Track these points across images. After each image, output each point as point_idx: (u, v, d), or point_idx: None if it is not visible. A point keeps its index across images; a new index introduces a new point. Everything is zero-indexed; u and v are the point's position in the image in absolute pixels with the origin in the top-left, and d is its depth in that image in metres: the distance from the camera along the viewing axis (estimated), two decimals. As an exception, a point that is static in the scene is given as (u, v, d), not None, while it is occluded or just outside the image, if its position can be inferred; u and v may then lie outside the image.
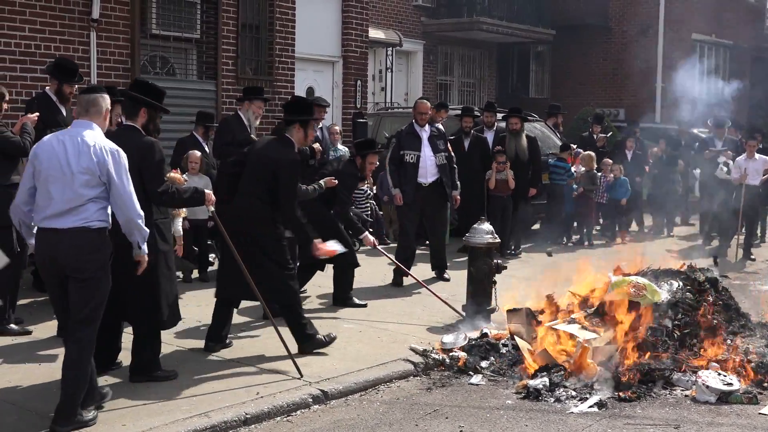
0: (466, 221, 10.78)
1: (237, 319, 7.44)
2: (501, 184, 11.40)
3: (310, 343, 6.73)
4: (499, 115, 12.78)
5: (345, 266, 8.45)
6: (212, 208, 6.15)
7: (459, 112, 12.82)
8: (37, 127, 7.98)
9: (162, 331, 6.07)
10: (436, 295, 8.18)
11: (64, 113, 8.20)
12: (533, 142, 12.13)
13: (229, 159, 7.33)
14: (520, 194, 11.82)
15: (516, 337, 6.93)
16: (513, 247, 11.88)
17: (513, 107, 12.54)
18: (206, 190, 6.01)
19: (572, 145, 13.83)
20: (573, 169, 13.33)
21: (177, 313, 6.06)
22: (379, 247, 8.39)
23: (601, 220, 13.92)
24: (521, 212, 12.01)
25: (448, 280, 9.74)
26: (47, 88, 8.30)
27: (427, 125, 9.94)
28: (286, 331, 6.71)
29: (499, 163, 11.37)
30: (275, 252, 6.62)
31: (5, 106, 7.33)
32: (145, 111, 5.80)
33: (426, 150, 9.81)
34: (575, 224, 13.65)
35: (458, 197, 10.23)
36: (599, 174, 13.37)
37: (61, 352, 6.51)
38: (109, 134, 6.37)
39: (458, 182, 10.19)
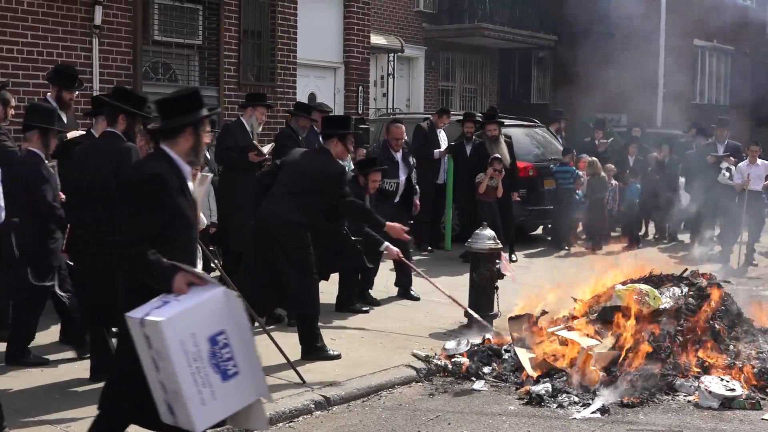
0: (467, 227, 10.77)
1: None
2: (490, 190, 11.36)
3: (316, 355, 6.72)
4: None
5: (351, 271, 8.43)
6: None
7: (460, 117, 12.83)
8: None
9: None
10: (457, 301, 7.98)
11: (65, 120, 8.21)
12: (510, 147, 11.92)
13: (263, 171, 7.46)
14: (507, 199, 11.72)
15: (516, 347, 6.91)
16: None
17: (488, 113, 12.48)
18: None
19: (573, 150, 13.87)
20: (581, 173, 13.34)
21: None
22: (403, 258, 8.20)
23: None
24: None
25: (417, 299, 9.16)
26: (48, 94, 8.33)
27: None
28: (287, 337, 6.71)
29: (496, 171, 11.30)
30: (299, 258, 6.67)
31: (11, 111, 7.36)
32: (123, 118, 5.92)
33: (402, 175, 9.86)
34: (579, 230, 13.68)
35: (418, 203, 10.25)
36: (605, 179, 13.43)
37: (62, 356, 6.54)
38: (92, 141, 6.46)
39: (417, 187, 10.14)
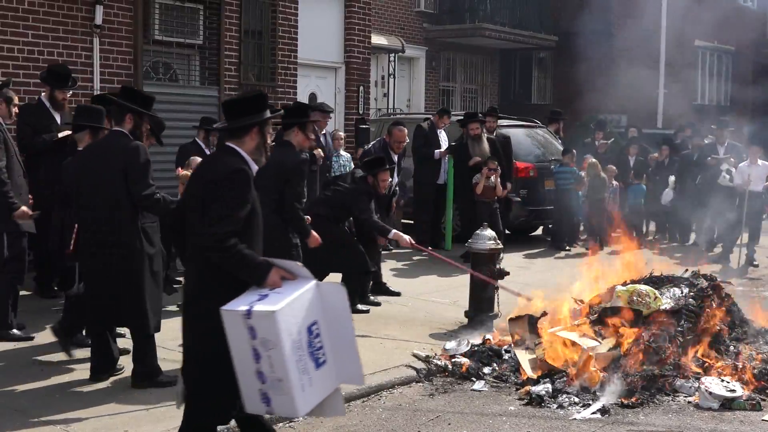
0: (467, 228, 10.77)
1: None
2: (488, 190, 11.34)
3: None
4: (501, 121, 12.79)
5: (353, 273, 8.41)
6: None
7: (461, 117, 12.82)
8: (26, 132, 8.01)
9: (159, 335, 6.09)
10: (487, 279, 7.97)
11: (59, 120, 8.21)
12: (494, 145, 11.81)
13: None
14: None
15: (515, 350, 6.91)
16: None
17: (470, 113, 12.57)
18: None
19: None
20: (582, 173, 13.35)
21: (159, 317, 6.07)
22: (416, 245, 8.16)
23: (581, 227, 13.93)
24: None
25: (396, 293, 9.22)
26: (42, 94, 8.33)
27: None
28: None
29: (490, 170, 11.28)
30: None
31: (14, 109, 7.36)
32: (130, 117, 5.89)
33: (396, 177, 9.90)
34: (581, 230, 13.70)
35: (394, 204, 10.27)
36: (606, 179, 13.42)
37: (62, 356, 6.53)
38: (98, 140, 6.45)
39: (397, 188, 10.27)
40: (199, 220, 4.16)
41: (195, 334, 4.22)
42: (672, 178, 13.80)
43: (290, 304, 3.94)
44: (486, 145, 11.63)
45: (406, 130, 10.25)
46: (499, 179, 11.35)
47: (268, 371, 3.92)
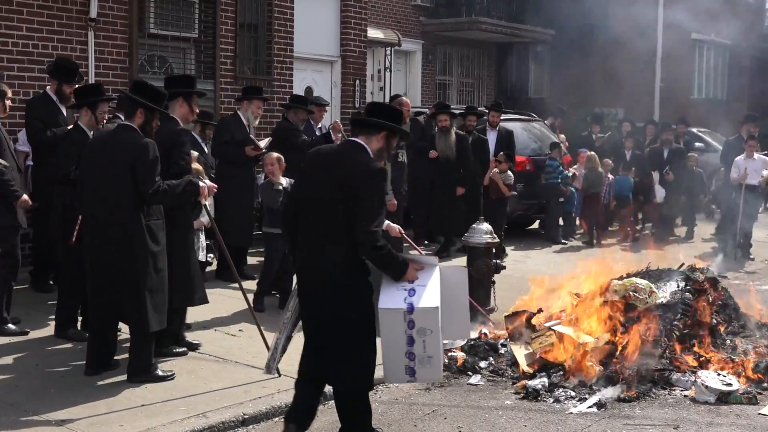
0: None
1: (236, 319, 7.44)
2: (492, 184, 11.27)
3: None
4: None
5: None
6: (205, 202, 6.07)
7: (461, 111, 12.77)
8: (36, 127, 7.99)
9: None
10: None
11: (65, 113, 8.19)
12: (462, 140, 11.55)
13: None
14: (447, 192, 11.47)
15: (511, 345, 6.90)
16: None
17: (441, 103, 12.51)
18: (201, 183, 5.97)
19: (562, 144, 13.89)
20: (572, 170, 13.35)
21: (164, 315, 5.97)
22: (404, 236, 8.12)
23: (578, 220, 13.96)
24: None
25: None
26: (48, 88, 8.29)
27: None
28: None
29: (498, 162, 11.23)
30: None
31: (8, 103, 7.33)
32: (141, 112, 5.82)
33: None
34: (577, 224, 13.71)
35: (395, 202, 9.84)
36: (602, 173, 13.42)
37: (59, 351, 6.52)
38: (105, 133, 6.37)
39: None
40: (336, 219, 4.42)
41: (358, 331, 4.59)
42: (656, 174, 13.82)
43: (438, 295, 4.52)
44: (453, 139, 11.41)
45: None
46: (493, 172, 11.28)
47: (420, 352, 4.52)
